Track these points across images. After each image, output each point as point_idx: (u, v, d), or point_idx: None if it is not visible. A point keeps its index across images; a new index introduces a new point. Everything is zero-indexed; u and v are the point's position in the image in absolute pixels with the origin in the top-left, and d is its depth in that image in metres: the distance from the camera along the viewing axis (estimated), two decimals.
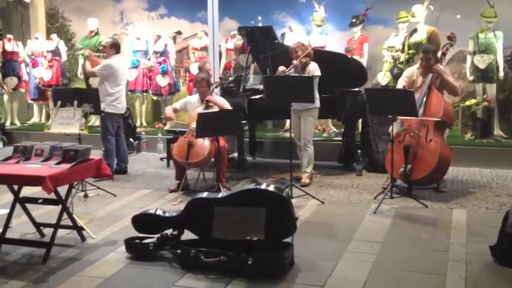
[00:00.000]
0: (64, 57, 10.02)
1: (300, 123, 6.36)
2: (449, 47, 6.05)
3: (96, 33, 9.52)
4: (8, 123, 10.11)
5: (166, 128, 8.94)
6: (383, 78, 8.18)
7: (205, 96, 6.29)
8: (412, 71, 6.15)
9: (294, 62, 6.12)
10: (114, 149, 6.93)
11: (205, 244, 4.06)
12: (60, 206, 4.43)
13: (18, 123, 10.19)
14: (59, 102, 5.71)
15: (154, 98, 9.59)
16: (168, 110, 6.49)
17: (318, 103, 6.27)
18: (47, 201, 4.56)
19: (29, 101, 10.40)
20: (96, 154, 5.35)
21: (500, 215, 4.32)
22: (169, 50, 9.44)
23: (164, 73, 9.31)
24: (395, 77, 7.52)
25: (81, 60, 9.65)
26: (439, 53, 5.99)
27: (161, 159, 8.07)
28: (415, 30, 7.89)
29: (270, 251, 3.92)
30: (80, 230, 4.65)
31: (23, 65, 10.16)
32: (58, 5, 10.81)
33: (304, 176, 6.44)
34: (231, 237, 4.02)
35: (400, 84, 6.12)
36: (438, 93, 5.82)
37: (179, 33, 10.04)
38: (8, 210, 4.64)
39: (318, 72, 6.17)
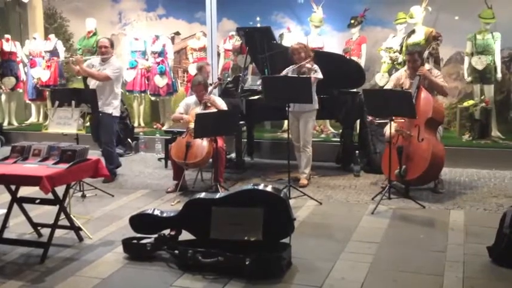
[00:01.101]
0: (62, 58, 10.00)
1: (299, 125, 6.36)
2: (435, 46, 6.08)
3: (94, 34, 9.51)
4: (5, 123, 10.09)
5: (165, 128, 8.95)
6: (381, 79, 8.17)
7: (202, 98, 6.28)
8: (400, 73, 6.19)
9: (308, 65, 6.04)
10: None
11: (203, 244, 4.07)
12: (57, 206, 4.43)
13: (16, 123, 10.17)
14: (57, 103, 5.72)
15: (152, 98, 9.58)
16: (185, 115, 6.30)
17: (316, 104, 6.28)
18: (44, 202, 4.56)
19: (27, 101, 10.38)
20: (94, 155, 5.35)
21: (498, 215, 4.34)
22: (168, 50, 9.43)
23: (162, 73, 9.30)
24: None
25: None
26: (426, 53, 6.00)
27: (159, 159, 8.07)
28: (413, 32, 7.89)
29: (267, 252, 3.92)
30: (77, 230, 4.65)
31: (21, 65, 10.14)
32: (56, 5, 10.80)
33: (302, 176, 6.45)
34: (228, 238, 4.03)
35: (387, 87, 6.15)
36: (427, 93, 5.83)
37: (177, 33, 10.04)
38: (5, 210, 4.64)
39: (320, 75, 6.13)
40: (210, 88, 6.42)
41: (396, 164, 5.66)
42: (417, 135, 5.72)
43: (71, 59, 6.62)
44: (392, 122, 5.93)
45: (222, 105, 6.31)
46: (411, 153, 5.71)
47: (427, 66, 6.07)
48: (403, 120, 5.81)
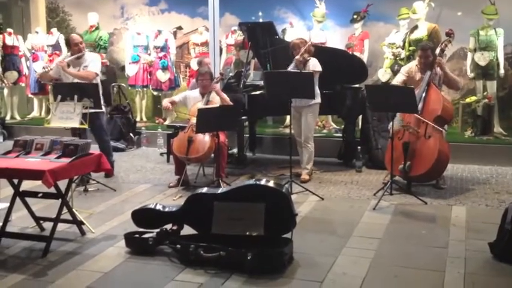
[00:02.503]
0: (64, 52, 9.99)
1: (301, 120, 6.35)
2: (447, 43, 6.05)
3: (97, 28, 9.51)
4: (8, 118, 10.10)
5: (167, 123, 8.95)
6: (383, 74, 8.17)
7: (207, 89, 6.30)
8: (411, 67, 6.15)
9: (297, 57, 6.09)
10: None
11: (205, 239, 4.07)
12: (60, 200, 4.44)
13: (18, 118, 10.18)
14: (59, 97, 5.71)
15: (155, 93, 9.58)
16: (166, 102, 6.47)
17: (318, 99, 6.27)
18: (46, 195, 4.57)
19: (29, 95, 10.38)
20: (96, 149, 5.36)
21: (500, 212, 4.33)
22: (170, 45, 9.43)
23: (164, 68, 9.30)
24: (396, 74, 7.49)
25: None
26: (438, 50, 6.00)
27: (161, 154, 8.08)
28: (415, 27, 7.88)
29: (269, 247, 3.92)
30: (79, 224, 4.66)
31: (23, 59, 10.14)
32: None
33: (304, 172, 6.44)
34: (230, 233, 4.03)
35: (399, 79, 6.14)
36: (437, 90, 5.83)
37: (180, 28, 10.02)
38: (8, 204, 4.64)
39: (318, 68, 6.16)
40: (212, 84, 6.42)
41: (401, 159, 5.66)
42: (424, 132, 5.71)
43: (54, 66, 6.20)
44: (399, 117, 5.95)
45: (227, 98, 6.33)
46: (417, 149, 5.69)
47: None
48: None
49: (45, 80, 6.41)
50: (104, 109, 6.62)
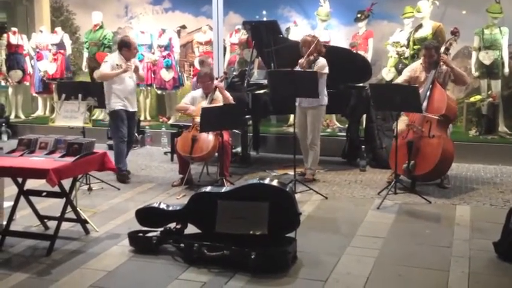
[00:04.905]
0: (69, 51, 10.04)
1: (307, 121, 6.31)
2: (452, 42, 6.04)
3: (101, 27, 9.54)
4: (12, 116, 10.14)
5: (171, 122, 8.96)
6: (388, 73, 8.16)
7: (209, 90, 6.30)
8: (414, 67, 6.15)
9: (301, 61, 6.01)
10: None
11: (209, 238, 4.07)
12: (64, 199, 4.45)
13: (22, 116, 10.22)
14: (64, 96, 5.72)
15: (159, 92, 9.59)
16: (192, 107, 6.32)
17: (325, 100, 6.22)
18: (51, 194, 4.58)
19: (34, 94, 10.42)
20: (101, 148, 5.36)
21: (504, 211, 4.32)
22: (174, 44, 9.43)
23: (168, 67, 9.31)
24: (400, 73, 7.48)
25: (85, 54, 9.67)
26: (442, 48, 5.98)
27: (165, 153, 8.09)
28: (420, 26, 7.87)
29: (273, 246, 3.92)
30: (83, 223, 4.67)
31: (27, 58, 10.18)
32: None
33: (308, 172, 6.43)
34: (234, 232, 4.03)
35: (401, 79, 6.14)
36: (441, 89, 5.81)
37: (183, 27, 10.03)
38: (12, 203, 4.65)
39: (325, 70, 6.10)
40: (216, 82, 6.42)
41: (405, 158, 5.65)
42: (428, 131, 5.69)
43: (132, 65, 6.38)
44: (403, 117, 5.95)
45: (230, 96, 6.32)
46: (421, 148, 5.69)
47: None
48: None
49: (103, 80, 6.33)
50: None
